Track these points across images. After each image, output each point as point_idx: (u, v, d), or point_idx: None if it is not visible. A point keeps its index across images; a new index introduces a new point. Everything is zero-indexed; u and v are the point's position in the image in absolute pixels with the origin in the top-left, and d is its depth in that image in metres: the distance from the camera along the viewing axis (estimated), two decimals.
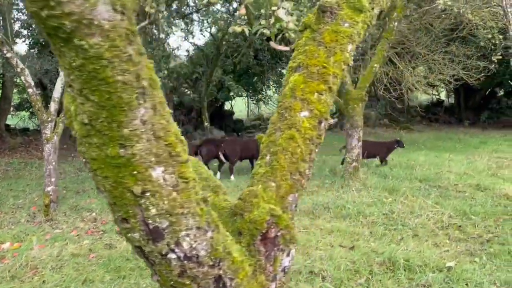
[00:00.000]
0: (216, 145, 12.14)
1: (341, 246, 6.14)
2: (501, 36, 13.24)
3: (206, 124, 15.52)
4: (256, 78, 18.46)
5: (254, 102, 21.02)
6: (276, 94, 20.98)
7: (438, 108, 25.24)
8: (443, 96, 28.55)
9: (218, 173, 11.44)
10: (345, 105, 10.07)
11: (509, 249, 5.79)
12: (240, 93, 18.61)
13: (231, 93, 17.03)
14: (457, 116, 25.14)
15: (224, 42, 15.00)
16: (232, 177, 11.44)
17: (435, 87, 25.16)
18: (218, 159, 11.71)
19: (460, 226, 6.87)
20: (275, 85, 20.07)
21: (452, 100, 27.81)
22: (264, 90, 19.38)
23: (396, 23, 10.01)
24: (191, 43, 17.51)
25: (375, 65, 10.00)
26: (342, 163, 11.13)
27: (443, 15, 17.07)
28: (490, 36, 14.27)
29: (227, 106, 22.60)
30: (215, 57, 15.78)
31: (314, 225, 6.88)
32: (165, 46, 18.31)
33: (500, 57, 13.13)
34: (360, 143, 10.01)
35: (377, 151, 11.93)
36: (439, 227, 6.85)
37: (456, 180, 9.90)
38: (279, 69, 19.76)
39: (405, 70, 15.77)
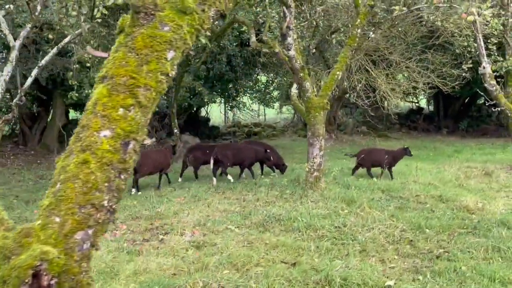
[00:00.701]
0: (204, 151, 11.96)
1: (283, 262, 5.86)
2: (476, 44, 13.13)
3: (175, 130, 15.17)
4: (230, 84, 18.17)
5: (229, 108, 20.72)
6: (251, 101, 20.73)
7: (417, 116, 25.13)
8: (423, 103, 28.52)
9: (214, 179, 11.13)
10: (307, 114, 9.82)
11: (456, 266, 5.55)
12: (213, 99, 18.30)
13: (206, 99, 16.72)
14: (436, 124, 25.06)
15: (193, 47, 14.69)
16: (229, 177, 11.18)
17: (414, 95, 25.13)
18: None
19: (411, 240, 6.63)
20: (250, 91, 19.81)
21: (432, 108, 27.77)
22: (239, 96, 19.08)
23: (359, 30, 9.78)
24: None
25: (338, 72, 9.77)
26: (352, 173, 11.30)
27: (418, 23, 17.01)
28: (466, 44, 14.20)
29: (204, 112, 22.30)
30: (184, 62, 15.47)
31: (260, 239, 6.59)
32: None
33: (471, 65, 13.01)
34: (322, 152, 9.75)
35: (382, 159, 11.39)
36: (390, 242, 6.60)
37: (419, 190, 9.68)
38: (255, 75, 19.56)
39: (378, 77, 15.59)
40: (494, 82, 11.39)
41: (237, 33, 16.39)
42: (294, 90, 11.53)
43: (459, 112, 24.13)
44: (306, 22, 14.99)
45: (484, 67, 11.18)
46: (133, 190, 10.23)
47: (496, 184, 10.50)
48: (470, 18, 5.17)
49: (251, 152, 11.83)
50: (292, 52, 9.41)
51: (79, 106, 18.16)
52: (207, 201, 9.17)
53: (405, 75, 16.79)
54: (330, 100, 20.40)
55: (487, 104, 11.88)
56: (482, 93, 11.90)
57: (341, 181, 10.40)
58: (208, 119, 21.99)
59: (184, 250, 6.30)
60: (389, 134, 22.55)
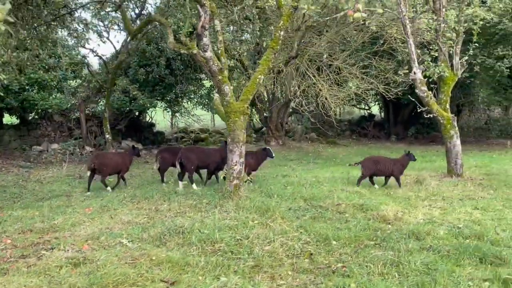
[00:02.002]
0: (172, 154, 11.60)
1: (163, 281, 5.32)
2: (418, 51, 13.00)
3: (107, 136, 14.48)
4: (172, 88, 17.56)
5: (171, 114, 20.09)
6: (193, 106, 20.14)
7: (367, 122, 25.11)
8: (376, 110, 28.63)
9: (180, 183, 10.78)
10: (226, 119, 9.35)
11: (346, 283, 5.14)
12: (153, 104, 17.65)
13: (142, 103, 16.05)
14: (386, 131, 25.09)
15: (126, 50, 14.13)
16: (194, 186, 10.71)
17: (365, 102, 25.12)
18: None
19: (312, 254, 6.20)
20: (193, 96, 19.23)
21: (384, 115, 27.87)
22: (179, 101, 18.47)
23: (282, 32, 9.39)
24: (91, 49, 16.39)
25: (259, 76, 9.34)
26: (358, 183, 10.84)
27: (361, 30, 16.87)
28: (407, 50, 14.05)
29: (148, 117, 21.57)
30: (116, 65, 14.81)
31: (147, 254, 6.02)
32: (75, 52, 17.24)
33: (407, 71, 12.85)
34: (242, 159, 9.28)
35: (390, 168, 10.97)
36: (289, 255, 6.16)
37: (343, 199, 9.32)
38: (198, 80, 19.01)
39: (319, 83, 15.30)
40: (425, 88, 11.21)
41: (176, 36, 15.82)
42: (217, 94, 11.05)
43: (408, 119, 24.19)
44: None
45: (415, 73, 10.97)
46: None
47: (424, 193, 10.25)
48: (357, 15, 4.78)
49: (217, 156, 11.33)
50: (208, 54, 8.93)
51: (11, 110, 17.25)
52: (115, 212, 8.55)
53: (353, 84, 16.57)
54: (278, 106, 20.27)
55: (419, 110, 11.61)
56: (413, 99, 11.65)
57: (264, 189, 9.95)
58: (152, 124, 21.29)
59: (58, 268, 5.67)
60: (338, 141, 22.37)
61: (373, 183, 11.04)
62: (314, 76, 15.77)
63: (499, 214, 8.30)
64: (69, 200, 9.83)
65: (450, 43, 11.70)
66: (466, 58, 11.82)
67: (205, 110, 19.90)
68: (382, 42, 17.21)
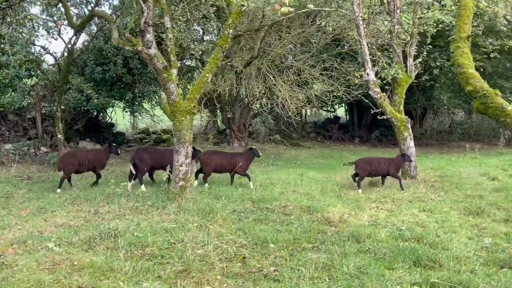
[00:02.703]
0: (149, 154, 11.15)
1: (80, 287, 5.01)
2: (379, 53, 12.96)
3: (59, 136, 13.98)
4: (130, 88, 17.13)
5: (130, 114, 19.63)
6: (153, 107, 19.73)
7: (332, 125, 25.13)
8: (342, 113, 28.72)
9: (129, 184, 10.43)
10: (172, 118, 9.07)
11: None
12: (110, 103, 17.18)
13: (97, 103, 15.58)
14: (351, 133, 25.17)
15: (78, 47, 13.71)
16: (142, 187, 10.42)
17: (330, 104, 25.12)
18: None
19: (245, 257, 5.98)
20: (152, 96, 18.82)
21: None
22: (136, 101, 18.03)
23: (231, 30, 9.17)
24: (41, 47, 15.86)
25: (207, 75, 9.10)
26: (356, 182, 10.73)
27: (322, 32, 16.81)
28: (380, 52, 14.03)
29: (108, 118, 21.05)
30: (67, 63, 14.34)
31: (69, 259, 5.71)
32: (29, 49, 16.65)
33: (367, 76, 12.76)
34: (188, 160, 9.02)
35: (384, 168, 10.89)
36: (222, 259, 5.94)
37: (292, 201, 9.18)
38: (157, 80, 18.58)
39: (278, 84, 15.15)
40: (378, 89, 11.16)
41: (134, 34, 15.45)
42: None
43: (372, 122, 24.28)
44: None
45: (368, 74, 10.91)
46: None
47: (375, 194, 10.19)
48: (284, 10, 4.60)
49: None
50: (152, 51, 8.65)
51: None
52: (52, 214, 8.18)
53: (318, 86, 16.46)
54: (241, 107, 20.06)
55: (372, 112, 11.56)
56: (366, 100, 11.60)
57: (212, 191, 9.72)
58: (112, 125, 20.79)
59: None
60: (302, 143, 22.28)
61: (359, 186, 10.87)
62: (274, 78, 15.59)
63: (445, 216, 8.25)
64: (7, 202, 9.38)
65: (403, 45, 11.71)
66: (420, 60, 11.84)
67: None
68: (343, 44, 17.19)
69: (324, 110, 26.83)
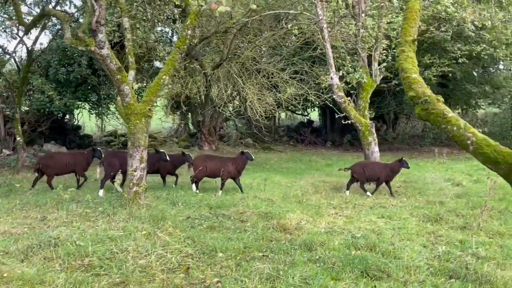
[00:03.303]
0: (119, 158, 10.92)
1: None
2: (349, 57, 12.86)
3: (18, 138, 13.51)
4: (95, 90, 16.72)
5: (96, 116, 19.18)
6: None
7: (305, 128, 25.04)
8: (315, 117, 28.68)
9: (101, 191, 10.13)
10: (127, 121, 8.77)
11: None
12: (75, 105, 16.72)
13: (58, 104, 15.13)
14: (323, 137, 25.11)
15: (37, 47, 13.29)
16: (101, 192, 10.08)
17: (304, 108, 25.05)
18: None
19: (189, 268, 5.72)
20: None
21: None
22: (105, 103, 17.61)
23: (189, 31, 8.93)
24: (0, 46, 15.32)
25: (164, 76, 8.83)
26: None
27: (292, 35, 16.68)
28: (337, 55, 13.93)
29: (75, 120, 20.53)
30: (26, 63, 13.88)
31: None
32: None
33: (331, 80, 12.65)
34: (144, 165, 8.73)
35: (378, 173, 10.71)
36: (165, 270, 5.66)
37: (251, 207, 8.96)
38: None
39: (246, 87, 14.94)
40: (342, 93, 11.04)
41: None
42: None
43: (344, 126, 24.25)
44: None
45: (331, 78, 10.78)
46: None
47: (337, 200, 10.04)
48: (221, 9, 4.38)
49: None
50: (105, 51, 8.35)
51: None
52: None
53: (291, 90, 16.27)
54: (211, 110, 19.78)
55: (337, 116, 11.44)
56: (331, 105, 11.46)
57: (169, 197, 9.45)
58: (78, 127, 20.28)
59: None
60: (274, 147, 22.12)
61: (347, 188, 10.86)
62: (242, 81, 15.38)
63: (403, 223, 8.13)
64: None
65: (369, 49, 11.62)
66: (385, 64, 11.76)
67: None
68: (314, 47, 17.08)
69: (297, 114, 26.74)
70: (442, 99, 4.28)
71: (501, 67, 23.12)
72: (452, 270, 5.65)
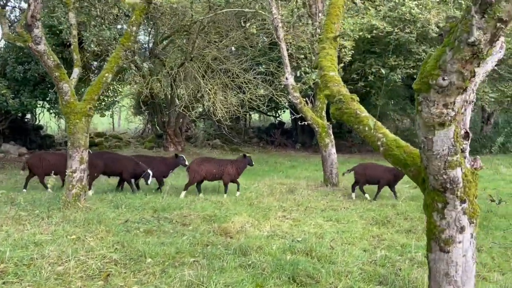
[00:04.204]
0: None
1: None
2: (314, 57, 12.68)
3: None
4: (54, 88, 16.26)
5: (55, 116, 18.67)
6: None
7: (274, 130, 24.85)
8: (287, 118, 28.52)
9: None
10: (66, 120, 8.43)
11: None
12: (33, 104, 16.23)
13: (12, 103, 14.66)
14: (294, 139, 24.96)
15: None
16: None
17: (275, 109, 24.88)
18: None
19: (109, 275, 5.43)
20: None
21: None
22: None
23: (134, 28, 8.62)
24: None
25: (106, 74, 8.52)
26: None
27: (256, 35, 16.47)
28: (302, 56, 13.76)
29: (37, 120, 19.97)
30: None
31: None
32: None
33: (287, 80, 12.46)
34: (84, 166, 8.38)
35: (380, 176, 10.48)
36: (83, 277, 5.35)
37: (198, 210, 8.73)
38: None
39: (207, 87, 14.67)
40: (298, 94, 10.86)
41: (57, 32, 14.66)
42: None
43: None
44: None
45: (287, 78, 10.58)
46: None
47: (289, 203, 9.85)
48: (129, 1, 4.11)
49: (128, 163, 10.38)
50: (42, 47, 7.99)
51: None
52: None
53: (261, 91, 16.01)
54: (177, 110, 19.42)
55: (292, 118, 11.24)
56: (286, 106, 11.25)
57: (114, 199, 9.13)
58: (40, 127, 19.74)
59: None
60: (242, 148, 21.87)
61: (353, 190, 10.69)
62: (204, 81, 15.10)
63: (349, 226, 7.98)
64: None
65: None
66: (342, 65, 11.61)
67: (98, 114, 18.63)
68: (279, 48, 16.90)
69: (269, 115, 26.56)
70: (357, 98, 4.09)
71: None
72: (382, 275, 5.47)
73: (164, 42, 17.19)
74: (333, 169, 11.46)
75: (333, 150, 11.52)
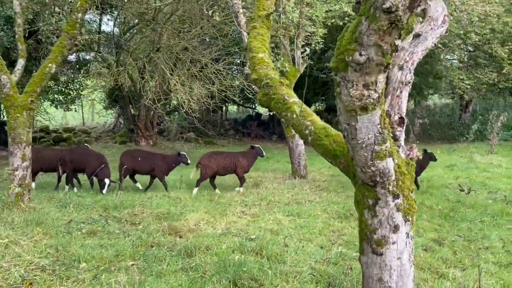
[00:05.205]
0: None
1: None
2: (289, 47, 12.19)
3: None
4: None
5: None
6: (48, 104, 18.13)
7: (251, 122, 24.38)
8: (265, 110, 28.05)
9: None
10: (7, 114, 7.85)
11: None
12: None
13: None
14: (271, 131, 24.52)
15: None
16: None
17: (251, 101, 24.39)
18: None
19: (31, 283, 4.92)
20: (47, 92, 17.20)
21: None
22: None
23: (80, 15, 8.05)
24: None
25: (50, 64, 7.94)
26: None
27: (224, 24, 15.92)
28: (273, 45, 13.25)
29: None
30: None
31: None
32: None
33: (248, 69, 11.95)
34: (26, 163, 7.83)
35: None
36: (6, 286, 4.85)
37: (153, 206, 8.23)
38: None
39: (174, 78, 14.11)
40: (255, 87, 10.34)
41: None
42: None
43: None
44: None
45: (248, 67, 10.05)
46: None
47: (252, 197, 9.43)
48: None
49: (95, 159, 9.80)
50: None
51: None
52: None
53: (238, 82, 15.47)
54: (130, 101, 18.75)
55: (256, 109, 10.76)
56: (251, 97, 10.78)
57: (63, 198, 8.60)
58: (4, 123, 18.97)
59: None
60: (217, 141, 21.37)
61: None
62: (171, 72, 14.54)
63: (309, 221, 7.56)
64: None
65: (291, 36, 11.01)
66: (307, 52, 11.15)
67: (61, 108, 17.92)
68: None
69: (245, 106, 26.07)
70: (287, 82, 3.63)
71: (448, 57, 23.01)
72: (332, 276, 5.05)
73: (130, 33, 16.57)
74: (301, 161, 11.05)
75: (301, 141, 11.10)
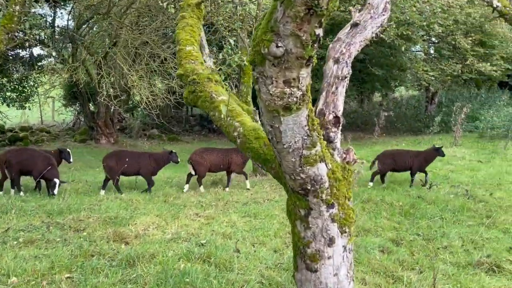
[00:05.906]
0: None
1: None
2: (247, 40, 11.79)
3: None
4: None
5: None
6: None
7: None
8: None
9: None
10: None
11: None
12: None
13: None
14: None
15: None
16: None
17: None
18: None
19: None
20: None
21: None
22: None
23: (18, 7, 7.48)
24: None
25: None
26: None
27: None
28: (234, 39, 12.81)
29: None
30: None
31: None
32: None
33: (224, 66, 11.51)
34: None
35: (410, 162, 9.62)
36: None
37: (103, 210, 7.76)
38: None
39: (130, 73, 13.54)
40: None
41: None
42: None
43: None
44: None
45: (205, 61, 9.61)
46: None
47: (209, 197, 9.07)
48: None
49: (43, 160, 9.13)
50: None
51: None
52: None
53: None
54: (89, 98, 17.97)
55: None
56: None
57: (9, 202, 8.04)
58: None
59: None
60: (181, 138, 20.86)
61: (383, 182, 9.97)
62: (128, 67, 13.96)
63: (265, 222, 7.24)
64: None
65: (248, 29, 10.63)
66: None
67: (15, 106, 17.08)
68: (214, 29, 15.88)
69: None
70: (216, 78, 3.27)
71: (412, 49, 23.04)
72: (281, 284, 4.73)
73: (88, 27, 15.88)
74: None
75: None
